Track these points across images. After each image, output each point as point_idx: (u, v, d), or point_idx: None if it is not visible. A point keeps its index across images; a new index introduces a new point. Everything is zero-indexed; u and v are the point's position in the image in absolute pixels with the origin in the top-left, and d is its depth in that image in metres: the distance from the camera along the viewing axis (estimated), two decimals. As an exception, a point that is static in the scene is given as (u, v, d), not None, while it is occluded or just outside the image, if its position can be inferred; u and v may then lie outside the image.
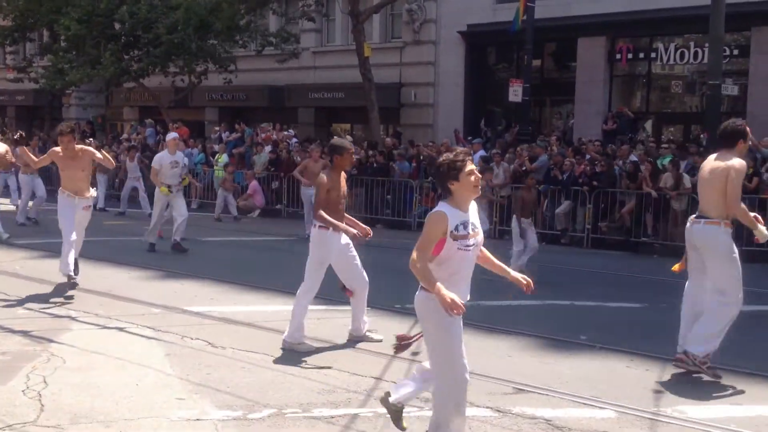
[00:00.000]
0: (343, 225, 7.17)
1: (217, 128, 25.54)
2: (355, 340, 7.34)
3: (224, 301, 9.07)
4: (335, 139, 7.56)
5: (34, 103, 33.34)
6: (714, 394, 6.09)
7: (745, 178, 14.14)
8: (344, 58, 23.92)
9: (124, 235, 14.80)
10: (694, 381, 6.40)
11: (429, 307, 4.34)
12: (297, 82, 25.98)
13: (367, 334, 7.41)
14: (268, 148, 20.90)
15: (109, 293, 9.07)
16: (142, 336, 7.28)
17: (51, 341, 6.95)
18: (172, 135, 13.62)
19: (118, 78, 24.88)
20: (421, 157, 18.60)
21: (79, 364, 6.30)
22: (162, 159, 12.71)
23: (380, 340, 7.26)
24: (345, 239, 7.29)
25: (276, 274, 10.94)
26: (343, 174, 7.39)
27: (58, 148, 9.38)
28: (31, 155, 9.62)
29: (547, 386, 6.07)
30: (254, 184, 19.78)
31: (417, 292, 4.46)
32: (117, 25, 24.43)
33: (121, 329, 7.53)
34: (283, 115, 26.57)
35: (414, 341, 4.68)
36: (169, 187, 12.58)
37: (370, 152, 19.26)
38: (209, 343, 7.03)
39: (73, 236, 9.13)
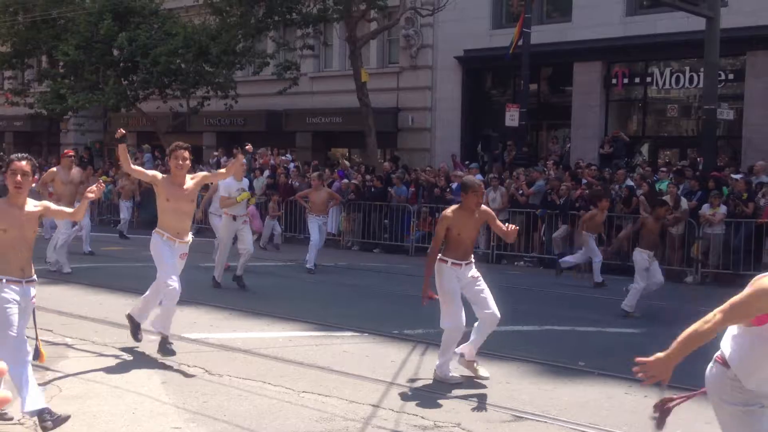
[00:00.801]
0: (427, 278, 6.88)
1: (215, 153, 25.60)
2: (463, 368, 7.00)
3: (222, 327, 9.03)
4: (465, 177, 7.13)
5: (32, 129, 33.44)
6: (713, 422, 6.05)
7: (742, 204, 14.28)
8: (342, 84, 24.05)
9: (120, 261, 14.78)
10: (692, 408, 6.37)
11: (724, 387, 3.41)
12: (295, 107, 26.09)
13: (476, 366, 7.06)
14: (266, 173, 20.94)
15: (105, 320, 9.03)
16: (139, 363, 7.25)
17: (47, 369, 6.90)
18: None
19: (117, 103, 24.98)
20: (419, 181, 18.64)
21: (75, 392, 6.27)
22: (229, 186, 11.74)
23: (487, 377, 6.93)
24: (474, 272, 6.98)
25: (274, 301, 10.92)
26: (484, 212, 7.02)
27: (159, 174, 7.70)
28: (128, 157, 7.56)
29: (545, 413, 6.05)
30: (252, 208, 19.76)
31: (710, 366, 3.55)
32: (115, 52, 24.57)
33: (117, 357, 7.49)
34: (280, 140, 26.66)
35: (677, 403, 3.80)
36: (234, 217, 11.75)
37: (368, 177, 19.30)
38: (206, 371, 7.00)
39: (173, 285, 7.29)
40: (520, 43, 18.78)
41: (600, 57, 20.60)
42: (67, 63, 24.83)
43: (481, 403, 6.27)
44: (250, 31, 22.51)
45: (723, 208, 14.29)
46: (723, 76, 18.48)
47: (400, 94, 24.31)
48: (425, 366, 7.47)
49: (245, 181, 12.24)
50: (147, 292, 7.70)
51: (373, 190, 18.59)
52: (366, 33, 22.37)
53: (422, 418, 5.84)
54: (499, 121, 20.58)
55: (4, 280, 5.26)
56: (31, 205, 5.44)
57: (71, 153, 14.07)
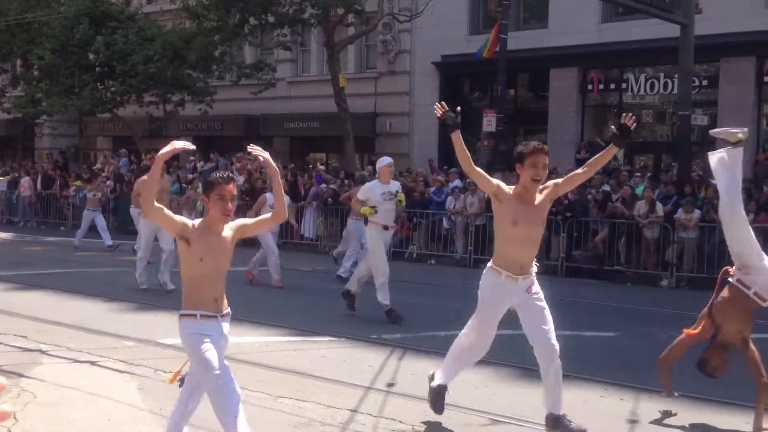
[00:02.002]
0: None
1: (191, 158, 25.47)
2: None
3: (198, 333, 8.96)
4: None
5: (7, 133, 33.11)
6: (688, 424, 6.12)
7: (712, 210, 14.42)
8: (319, 88, 24.04)
9: (96, 267, 14.65)
10: (668, 411, 6.43)
11: None
12: (272, 111, 26.04)
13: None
14: (241, 179, 20.86)
15: (80, 326, 8.96)
16: (115, 370, 7.19)
17: (21, 376, 6.84)
18: (387, 160, 10.02)
19: (93, 108, 24.81)
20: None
21: (51, 399, 6.21)
22: (372, 190, 9.75)
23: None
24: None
25: (251, 306, 10.85)
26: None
27: (504, 186, 5.49)
28: None
29: (523, 417, 6.08)
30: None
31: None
32: (91, 56, 24.41)
33: (93, 363, 7.42)
34: (258, 145, 26.45)
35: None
36: (385, 227, 9.74)
37: (346, 182, 19.30)
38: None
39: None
40: (497, 49, 18.88)
41: (576, 63, 20.79)
42: (42, 67, 24.63)
43: (459, 407, 6.28)
44: (226, 35, 22.46)
45: (697, 212, 14.46)
46: (697, 83, 18.71)
47: (378, 99, 24.36)
48: (403, 371, 7.49)
49: (395, 184, 10.03)
50: (457, 345, 5.88)
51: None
52: (344, 38, 22.41)
53: (400, 422, 5.85)
54: (477, 127, 20.67)
55: (198, 316, 4.59)
56: (228, 230, 4.70)
57: None
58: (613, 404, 6.57)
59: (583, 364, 7.84)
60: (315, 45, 25.45)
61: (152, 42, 23.01)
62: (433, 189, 18.29)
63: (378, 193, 9.63)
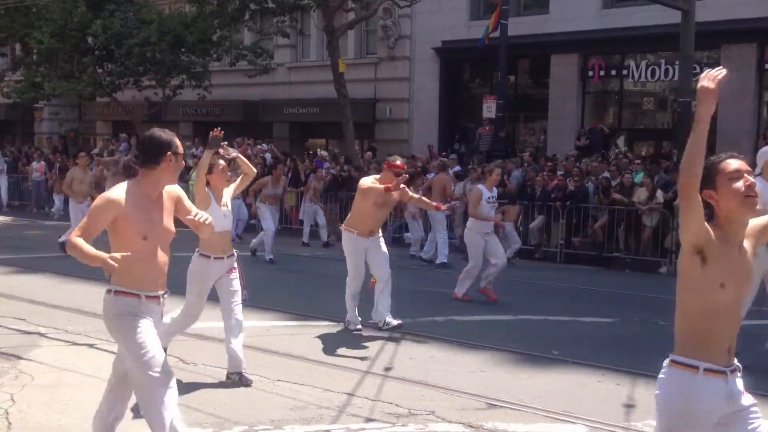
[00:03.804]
0: None
1: (188, 143, 25.40)
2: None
3: (197, 316, 8.97)
4: None
5: (6, 118, 33.04)
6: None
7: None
8: (319, 74, 23.97)
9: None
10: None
11: None
12: (272, 97, 25.97)
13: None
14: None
15: (78, 309, 8.96)
16: (112, 352, 7.14)
17: (19, 358, 6.85)
18: None
19: (93, 92, 24.74)
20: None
21: (48, 381, 6.22)
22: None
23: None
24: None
25: (250, 290, 10.85)
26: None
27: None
28: None
29: (519, 401, 6.09)
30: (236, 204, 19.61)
31: None
32: (90, 39, 24.32)
33: (90, 345, 7.44)
34: (257, 130, 26.56)
35: None
36: None
37: (345, 167, 19.28)
38: (180, 360, 6.97)
39: None
40: (496, 34, 18.80)
41: (577, 49, 20.70)
42: (42, 51, 24.55)
43: (456, 391, 6.30)
44: (225, 20, 22.37)
45: (697, 200, 14.45)
46: (698, 69, 18.60)
47: (377, 84, 24.28)
48: (401, 355, 7.50)
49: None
50: None
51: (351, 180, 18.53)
52: (344, 23, 22.31)
53: (397, 406, 5.86)
54: (477, 113, 20.64)
55: (700, 370, 3.11)
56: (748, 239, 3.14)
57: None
58: (610, 389, 6.58)
59: (581, 349, 7.86)
60: (315, 30, 25.36)
61: (150, 25, 22.93)
62: (431, 175, 18.21)
63: None
